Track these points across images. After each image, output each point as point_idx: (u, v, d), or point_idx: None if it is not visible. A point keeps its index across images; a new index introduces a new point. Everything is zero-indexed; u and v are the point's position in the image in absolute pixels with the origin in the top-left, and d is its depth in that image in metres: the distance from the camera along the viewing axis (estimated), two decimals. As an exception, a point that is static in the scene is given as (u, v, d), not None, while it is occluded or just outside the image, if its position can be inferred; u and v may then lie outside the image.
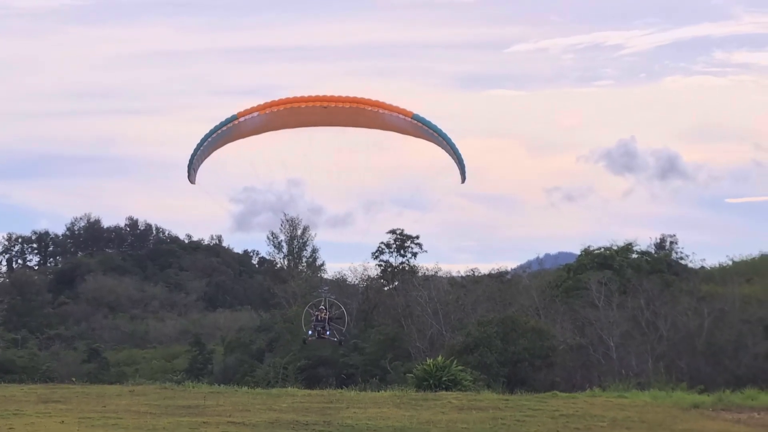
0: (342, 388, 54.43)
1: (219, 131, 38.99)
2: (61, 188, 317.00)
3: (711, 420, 38.24)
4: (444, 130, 39.07)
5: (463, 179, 40.21)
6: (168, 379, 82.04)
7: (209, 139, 39.55)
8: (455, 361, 60.41)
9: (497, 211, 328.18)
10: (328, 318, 45.37)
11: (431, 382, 56.21)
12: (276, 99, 38.90)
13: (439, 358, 60.49)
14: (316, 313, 45.46)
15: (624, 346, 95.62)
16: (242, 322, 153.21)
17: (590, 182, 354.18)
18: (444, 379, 56.78)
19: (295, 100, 38.39)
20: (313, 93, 38.21)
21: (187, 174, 40.11)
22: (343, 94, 38.08)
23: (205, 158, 40.53)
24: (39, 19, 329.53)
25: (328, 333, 44.20)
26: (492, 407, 40.22)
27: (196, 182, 40.55)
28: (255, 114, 38.41)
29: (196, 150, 39.74)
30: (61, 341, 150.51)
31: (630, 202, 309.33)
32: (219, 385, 55.01)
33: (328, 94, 38.18)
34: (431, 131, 38.75)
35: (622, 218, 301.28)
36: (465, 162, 39.85)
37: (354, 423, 35.25)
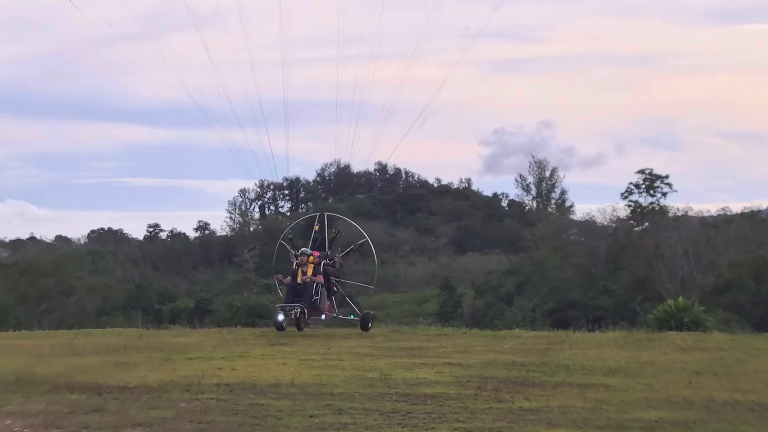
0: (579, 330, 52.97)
1: None
2: (311, 134, 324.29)
3: None
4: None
5: None
6: (419, 323, 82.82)
7: None
8: (696, 303, 58.14)
9: (753, 149, 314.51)
10: (327, 268, 25.64)
11: (672, 323, 54.36)
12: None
13: (680, 299, 58.38)
14: (298, 257, 26.56)
15: None
16: (491, 266, 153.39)
17: None
18: (686, 320, 54.81)
19: None
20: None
21: None
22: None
23: None
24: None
25: (324, 317, 26.04)
26: (716, 348, 38.37)
27: None
28: None
29: None
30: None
31: None
32: (470, 328, 54.64)
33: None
34: None
35: None
36: None
37: (570, 363, 34.15)
